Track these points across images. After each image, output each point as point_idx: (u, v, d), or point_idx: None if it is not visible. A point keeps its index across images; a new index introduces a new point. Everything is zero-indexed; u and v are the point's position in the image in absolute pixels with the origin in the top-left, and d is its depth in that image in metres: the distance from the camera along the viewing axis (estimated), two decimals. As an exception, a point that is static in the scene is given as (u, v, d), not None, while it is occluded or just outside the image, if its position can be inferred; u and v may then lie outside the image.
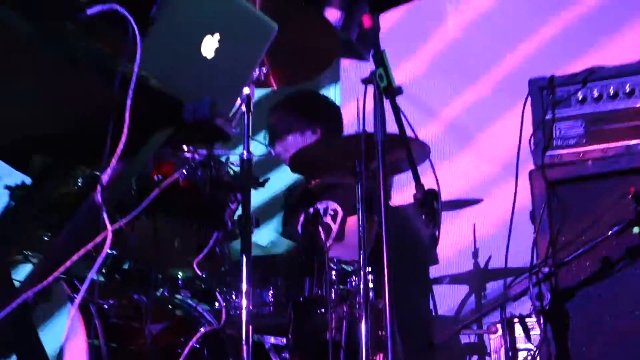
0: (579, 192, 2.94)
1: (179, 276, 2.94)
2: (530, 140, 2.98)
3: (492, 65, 4.72)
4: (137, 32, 1.79)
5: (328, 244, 3.06)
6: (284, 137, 3.82)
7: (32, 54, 1.84)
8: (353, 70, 4.80)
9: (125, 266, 2.80)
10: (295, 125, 3.81)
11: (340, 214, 3.59)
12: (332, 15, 4.34)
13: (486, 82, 4.70)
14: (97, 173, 1.93)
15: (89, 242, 1.88)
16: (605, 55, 4.15)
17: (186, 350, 2.79)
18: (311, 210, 3.66)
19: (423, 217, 2.53)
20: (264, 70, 2.98)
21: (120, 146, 1.81)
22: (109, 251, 2.46)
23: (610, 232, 2.78)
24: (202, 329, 2.91)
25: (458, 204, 4.43)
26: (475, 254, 4.51)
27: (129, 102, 1.81)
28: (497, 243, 3.52)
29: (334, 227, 3.64)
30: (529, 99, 3.02)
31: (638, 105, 2.91)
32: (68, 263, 1.91)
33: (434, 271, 4.32)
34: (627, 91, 2.92)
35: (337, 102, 3.99)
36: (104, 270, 2.72)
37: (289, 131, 3.81)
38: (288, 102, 3.87)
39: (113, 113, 1.82)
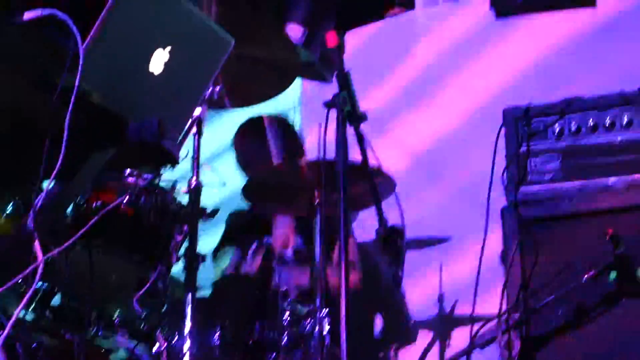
0: (554, 232, 2.96)
1: (116, 313, 2.90)
2: (503, 174, 3.00)
3: (464, 93, 4.76)
4: (79, 40, 1.78)
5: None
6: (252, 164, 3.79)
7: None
8: (314, 93, 4.81)
9: (57, 301, 2.75)
10: (264, 153, 3.78)
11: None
12: (294, 31, 4.36)
13: (458, 111, 4.74)
14: (30, 196, 1.90)
15: (18, 274, 1.85)
16: (585, 86, 4.23)
17: (122, 397, 2.75)
18: (255, 243, 3.62)
19: (385, 255, 2.53)
20: (218, 88, 2.98)
21: (57, 167, 1.79)
22: (39, 284, 2.42)
23: (584, 278, 2.79)
24: (140, 373, 2.87)
25: (424, 243, 4.44)
26: (440, 298, 4.51)
27: (68, 118, 1.79)
28: (464, 286, 3.53)
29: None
30: (503, 130, 3.04)
31: (618, 139, 2.95)
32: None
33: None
34: (607, 124, 2.96)
35: (297, 127, 3.99)
36: (33, 305, 2.67)
37: (256, 158, 3.78)
38: (257, 127, 3.84)
39: (50, 130, 1.80)
